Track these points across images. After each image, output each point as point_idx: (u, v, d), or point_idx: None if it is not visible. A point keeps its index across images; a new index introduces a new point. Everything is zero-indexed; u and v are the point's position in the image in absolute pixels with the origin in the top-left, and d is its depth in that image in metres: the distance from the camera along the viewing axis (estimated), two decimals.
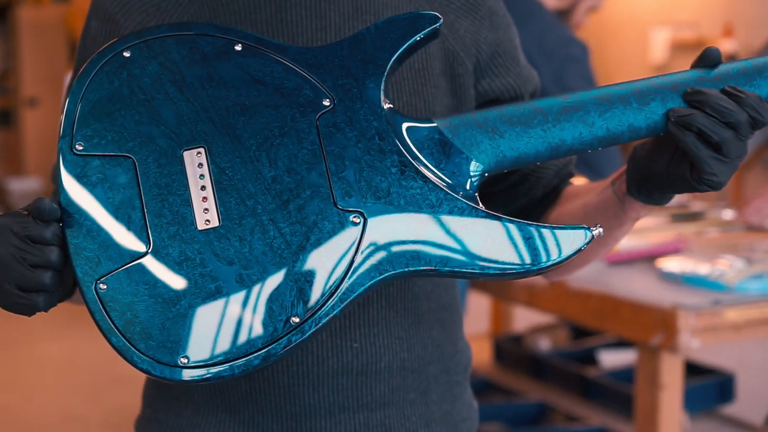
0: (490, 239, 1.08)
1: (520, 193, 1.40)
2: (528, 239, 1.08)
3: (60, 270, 1.07)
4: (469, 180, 1.13)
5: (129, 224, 1.07)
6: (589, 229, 1.08)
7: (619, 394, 3.83)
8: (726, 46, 8.03)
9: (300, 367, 1.25)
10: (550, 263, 1.08)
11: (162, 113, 1.10)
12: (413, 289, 1.31)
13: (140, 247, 1.06)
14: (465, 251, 1.08)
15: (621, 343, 4.31)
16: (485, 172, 1.14)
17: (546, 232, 1.08)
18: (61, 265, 1.07)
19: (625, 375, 4.03)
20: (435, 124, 1.14)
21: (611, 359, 4.22)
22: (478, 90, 1.36)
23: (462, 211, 1.09)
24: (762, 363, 4.89)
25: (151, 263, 1.06)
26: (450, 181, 1.12)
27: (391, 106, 1.14)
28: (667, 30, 8.31)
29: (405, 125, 1.13)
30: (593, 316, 2.74)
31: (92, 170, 1.08)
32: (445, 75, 1.32)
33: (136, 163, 1.08)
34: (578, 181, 1.44)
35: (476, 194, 1.13)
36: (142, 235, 1.06)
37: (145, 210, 1.07)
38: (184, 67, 1.12)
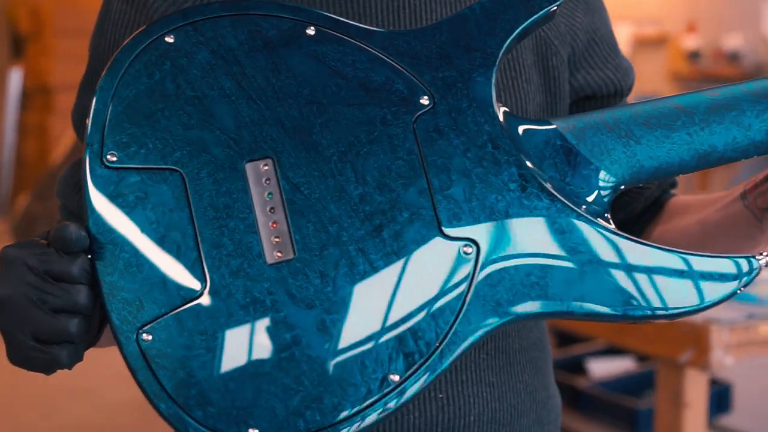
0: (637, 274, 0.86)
1: (617, 207, 1.18)
2: (684, 273, 0.86)
3: (89, 315, 0.83)
4: (600, 196, 0.90)
5: (178, 256, 0.83)
6: (753, 258, 0.86)
7: (615, 406, 3.63)
8: (689, 43, 7.91)
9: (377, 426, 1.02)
10: (710, 302, 0.86)
11: (217, 114, 0.86)
12: None
13: (194, 285, 0.83)
14: (602, 286, 0.86)
15: (610, 351, 4.12)
16: (618, 187, 0.91)
17: (703, 262, 0.86)
18: (91, 309, 0.83)
19: (618, 385, 3.84)
20: (554, 126, 0.91)
21: (601, 368, 4.03)
22: (572, 85, 1.13)
23: (596, 237, 0.86)
24: (758, 373, 4.75)
25: (208, 306, 0.82)
26: (579, 199, 0.89)
27: (505, 108, 0.91)
28: (629, 26, 8.17)
29: (521, 128, 0.90)
30: (610, 330, 2.55)
31: (129, 187, 0.84)
32: (538, 67, 1.10)
33: (186, 179, 0.85)
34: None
35: (608, 214, 0.91)
36: (195, 270, 0.83)
37: (199, 238, 0.83)
38: (243, 55, 0.88)
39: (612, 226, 0.88)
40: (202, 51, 0.88)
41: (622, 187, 0.91)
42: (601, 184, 0.90)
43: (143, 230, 0.83)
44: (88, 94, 1.10)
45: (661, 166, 0.91)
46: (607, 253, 0.86)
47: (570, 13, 1.13)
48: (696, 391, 2.43)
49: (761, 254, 0.87)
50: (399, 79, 0.88)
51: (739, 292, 0.87)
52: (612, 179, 0.90)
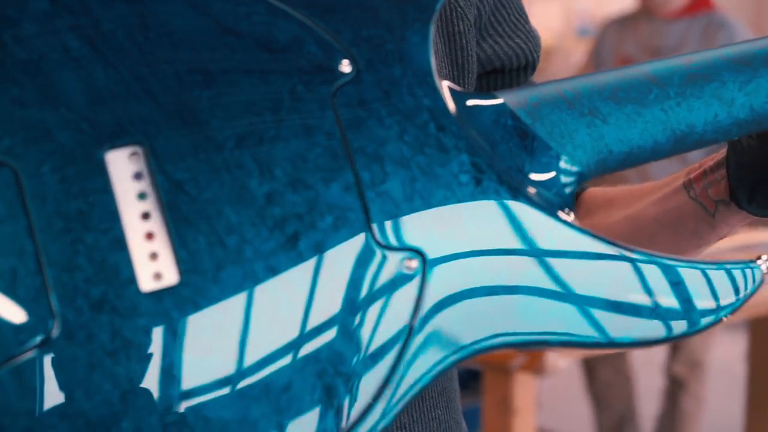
0: (620, 288, 0.67)
1: None
2: (676, 285, 0.67)
3: None
4: (561, 190, 0.71)
5: (14, 285, 0.58)
6: (753, 264, 0.69)
7: None
8: None
9: None
10: (705, 324, 0.68)
11: (61, 85, 0.62)
12: None
13: (38, 325, 0.58)
14: (583, 310, 0.66)
15: None
16: (583, 178, 0.72)
17: (696, 273, 0.68)
18: None
19: None
20: (501, 101, 0.71)
21: None
22: (478, 55, 0.94)
23: (569, 241, 0.67)
24: None
25: (60, 355, 0.58)
26: (541, 193, 0.69)
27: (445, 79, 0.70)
28: None
29: (468, 103, 0.70)
30: None
31: None
32: (441, 33, 0.90)
33: (20, 176, 0.60)
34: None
35: (569, 208, 0.71)
36: (39, 303, 0.58)
37: (43, 259, 0.59)
38: (97, 5, 0.64)
39: (589, 231, 0.68)
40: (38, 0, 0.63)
41: (586, 178, 0.72)
42: (562, 176, 0.70)
43: None
44: None
45: (632, 151, 0.72)
46: (582, 264, 0.66)
47: None
48: (526, 396, 2.31)
49: (759, 258, 0.69)
50: (310, 38, 0.66)
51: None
52: (575, 168, 0.71)
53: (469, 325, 0.64)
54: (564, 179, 0.70)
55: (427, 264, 0.64)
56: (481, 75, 0.95)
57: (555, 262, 0.66)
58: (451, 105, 0.67)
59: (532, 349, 0.66)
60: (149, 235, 0.61)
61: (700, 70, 0.74)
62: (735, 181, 0.83)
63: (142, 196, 0.61)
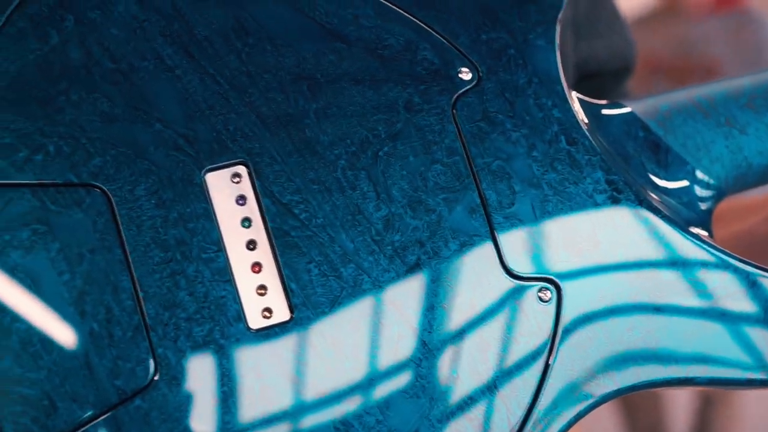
0: None
1: None
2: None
3: None
4: (698, 208, 0.64)
5: (109, 326, 0.52)
6: None
7: None
8: None
9: None
10: None
11: (155, 98, 0.55)
12: None
13: (138, 370, 0.52)
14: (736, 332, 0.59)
15: None
16: (721, 195, 0.65)
17: None
18: None
19: None
20: (630, 109, 0.64)
21: None
22: (575, 58, 0.87)
23: (717, 266, 0.60)
24: None
25: (162, 403, 0.52)
26: (678, 210, 0.62)
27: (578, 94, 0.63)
28: None
29: (599, 113, 0.63)
30: None
31: (21, 217, 0.53)
32: None
33: (113, 200, 0.53)
34: None
35: (706, 231, 0.64)
36: (137, 346, 0.52)
37: (141, 295, 0.52)
38: (189, 7, 0.57)
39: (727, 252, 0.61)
40: (124, 0, 0.57)
41: (724, 195, 0.65)
42: (699, 191, 0.64)
43: (48, 285, 0.52)
44: None
45: None
46: (736, 290, 0.59)
47: None
48: None
49: None
50: (425, 43, 0.59)
51: None
52: (713, 183, 0.64)
53: (608, 362, 0.57)
54: (701, 195, 0.63)
55: (562, 293, 0.57)
56: (576, 79, 0.88)
57: (700, 276, 0.59)
58: (582, 116, 0.60)
59: (677, 387, 0.59)
60: (256, 266, 0.54)
61: None
62: None
63: (246, 221, 0.54)
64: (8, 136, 0.53)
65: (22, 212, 0.52)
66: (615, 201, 0.59)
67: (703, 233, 0.62)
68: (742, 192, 0.66)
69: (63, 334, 0.51)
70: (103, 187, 0.53)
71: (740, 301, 0.59)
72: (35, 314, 0.51)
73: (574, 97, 0.61)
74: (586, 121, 0.61)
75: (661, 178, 0.62)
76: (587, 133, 0.60)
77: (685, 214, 0.62)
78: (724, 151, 0.64)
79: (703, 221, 0.63)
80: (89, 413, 0.51)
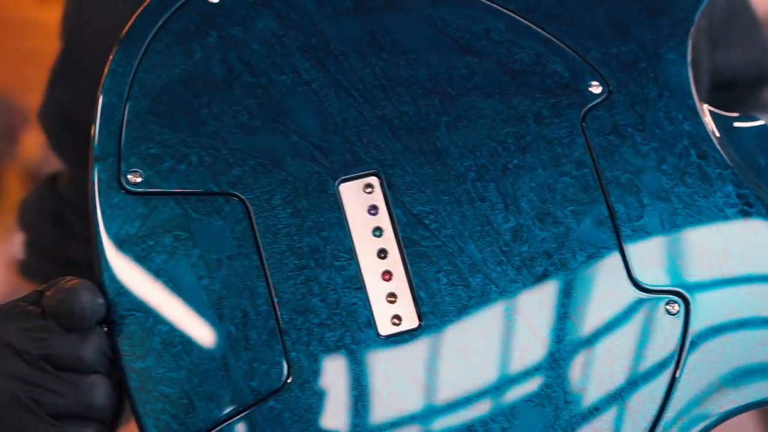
0: None
1: None
2: None
3: (108, 421, 0.54)
4: None
5: (245, 329, 0.54)
6: None
7: None
8: None
9: None
10: None
11: (292, 111, 0.58)
12: None
13: (272, 372, 0.54)
14: None
15: None
16: None
17: None
18: (112, 413, 0.54)
19: None
20: (762, 122, 0.64)
21: None
22: (709, 67, 0.86)
23: None
24: None
25: (295, 404, 0.54)
26: None
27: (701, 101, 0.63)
28: None
29: (731, 126, 0.63)
30: None
31: (164, 223, 0.55)
32: None
33: (251, 209, 0.56)
34: None
35: None
36: (272, 349, 0.54)
37: (276, 300, 0.55)
38: (326, 22, 0.59)
39: None
40: (264, 16, 0.59)
41: None
42: None
43: (189, 289, 0.54)
44: (65, 82, 0.80)
45: None
46: None
47: None
48: None
49: None
50: (555, 57, 0.60)
51: None
52: None
53: (735, 377, 0.57)
54: None
55: (690, 306, 0.57)
56: (713, 89, 0.88)
57: None
58: (713, 130, 0.60)
59: None
60: (386, 275, 0.56)
61: None
62: None
63: (377, 231, 0.56)
64: (154, 147, 0.56)
65: (166, 219, 0.55)
66: (746, 215, 0.59)
67: None
68: None
69: (202, 336, 0.54)
70: (242, 196, 0.55)
71: None
72: (176, 317, 0.54)
73: (706, 110, 0.61)
74: (718, 134, 0.61)
75: None
76: (718, 147, 0.60)
77: None
78: None
79: None
80: (226, 412, 0.53)
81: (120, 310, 0.54)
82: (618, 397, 0.55)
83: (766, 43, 0.90)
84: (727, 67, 0.87)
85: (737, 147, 0.62)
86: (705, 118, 0.60)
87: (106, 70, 0.57)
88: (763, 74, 0.89)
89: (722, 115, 0.63)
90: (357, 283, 0.55)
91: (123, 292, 0.54)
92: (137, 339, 0.53)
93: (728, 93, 0.88)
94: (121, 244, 0.54)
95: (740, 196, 0.59)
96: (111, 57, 0.57)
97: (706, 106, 0.62)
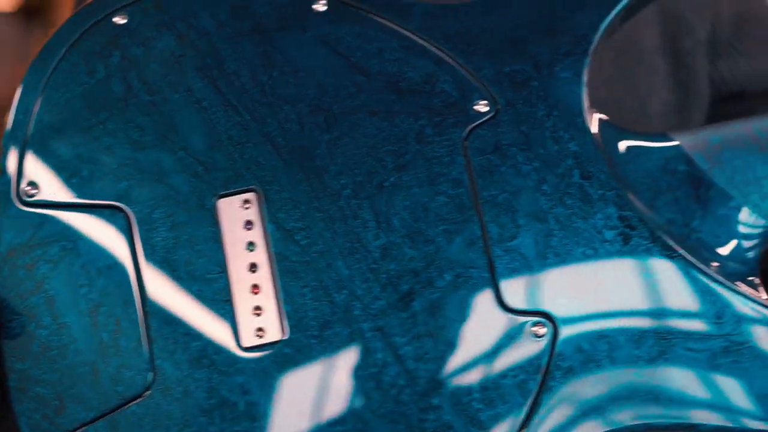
0: None
1: None
2: None
3: None
4: (741, 249, 0.61)
5: (117, 336, 0.57)
6: None
7: None
8: None
9: None
10: None
11: (182, 128, 0.60)
12: None
13: (137, 378, 0.57)
14: (751, 394, 0.56)
15: None
16: None
17: None
18: None
19: None
20: (677, 143, 0.62)
21: None
22: (713, 77, 0.83)
23: (745, 320, 0.57)
24: None
25: (156, 409, 0.56)
26: (710, 254, 0.60)
27: (602, 115, 0.62)
28: None
29: (625, 146, 0.61)
30: None
31: (53, 234, 0.59)
32: (665, 52, 0.80)
33: (133, 221, 0.59)
34: None
35: (755, 277, 0.61)
36: (139, 356, 0.57)
37: (147, 310, 0.57)
38: (223, 42, 0.62)
39: (764, 296, 0.58)
40: (165, 37, 0.62)
41: None
42: (744, 230, 0.60)
43: (69, 296, 0.58)
44: None
45: None
46: (755, 336, 0.57)
47: None
48: None
49: None
50: (446, 76, 0.60)
51: None
52: (762, 223, 0.61)
53: (602, 401, 0.56)
54: (745, 236, 0.60)
55: (558, 330, 0.56)
56: (718, 100, 0.85)
57: (711, 332, 0.56)
58: (602, 148, 0.59)
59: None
60: (255, 288, 0.58)
61: None
62: None
63: (251, 246, 0.58)
64: (52, 161, 0.60)
65: (55, 230, 0.59)
66: (626, 238, 0.58)
67: (744, 285, 0.59)
68: None
69: (77, 341, 0.57)
70: (126, 209, 0.59)
71: (755, 348, 0.56)
72: (55, 322, 0.57)
73: (597, 126, 0.60)
74: (609, 153, 0.60)
75: (697, 215, 0.60)
76: (606, 168, 0.59)
77: (720, 257, 0.59)
78: None
79: (748, 268, 0.60)
80: (92, 414, 0.56)
81: (5, 315, 0.58)
82: (475, 418, 0.56)
83: None
84: (733, 78, 0.84)
85: (639, 167, 0.61)
86: (596, 136, 0.59)
87: (19, 89, 0.61)
88: None
89: (624, 133, 0.61)
90: (225, 296, 0.57)
91: (10, 297, 0.58)
92: (19, 342, 0.57)
93: (735, 105, 0.84)
94: (12, 253, 0.58)
95: (622, 218, 0.58)
96: (24, 76, 0.61)
97: (599, 119, 0.60)
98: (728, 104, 0.84)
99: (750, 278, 0.60)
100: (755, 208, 0.61)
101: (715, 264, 0.59)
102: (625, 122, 0.75)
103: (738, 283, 0.58)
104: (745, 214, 0.60)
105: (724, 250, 0.60)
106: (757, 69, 0.84)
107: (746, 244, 0.60)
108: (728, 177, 0.61)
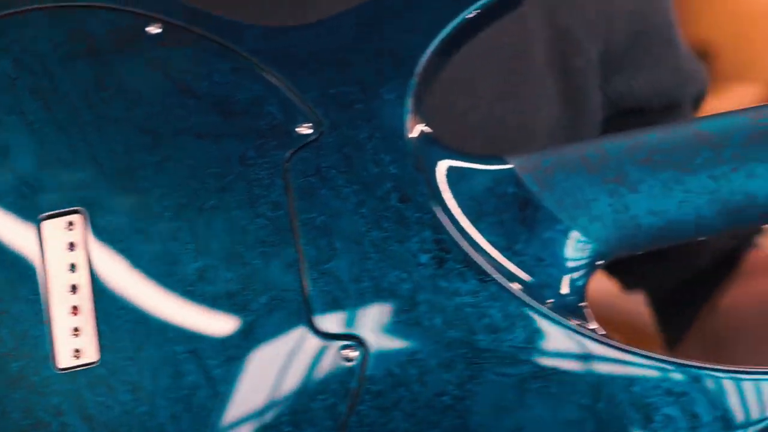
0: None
1: (670, 262, 0.86)
2: (683, 397, 0.55)
3: None
4: (569, 274, 0.60)
5: None
6: None
7: None
8: None
9: None
10: None
11: (12, 149, 0.61)
12: None
13: None
14: (556, 420, 0.56)
15: None
16: (601, 257, 0.61)
17: (720, 384, 0.55)
18: None
19: None
20: (509, 166, 0.62)
21: None
22: (607, 93, 0.83)
23: (556, 345, 0.57)
24: None
25: None
26: (533, 279, 0.60)
27: (428, 130, 0.62)
28: None
29: (447, 166, 0.61)
30: None
31: None
32: (554, 69, 0.80)
33: None
34: None
35: (584, 303, 0.61)
36: None
37: None
38: (58, 65, 0.62)
39: (586, 325, 0.58)
40: (2, 60, 0.62)
41: (603, 258, 0.61)
42: (573, 254, 0.60)
43: None
44: None
45: (669, 226, 0.60)
46: (565, 364, 0.56)
47: None
48: None
49: None
50: (273, 98, 0.60)
51: None
52: (590, 245, 0.60)
53: (410, 428, 0.56)
54: (572, 255, 0.60)
55: (369, 355, 0.56)
56: (615, 115, 0.84)
57: (520, 358, 0.56)
58: (423, 171, 0.59)
59: None
60: (75, 309, 0.58)
61: None
62: None
63: (72, 267, 0.59)
64: None
65: None
66: (440, 261, 0.57)
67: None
68: (631, 253, 0.62)
69: None
70: None
71: (563, 374, 0.56)
72: None
73: (419, 149, 0.60)
74: (430, 176, 0.59)
75: (521, 238, 0.60)
76: (426, 190, 0.58)
77: (541, 283, 0.59)
78: (606, 209, 0.60)
79: (576, 300, 0.60)
80: None
81: None
82: None
83: (681, 67, 0.85)
84: (630, 93, 0.83)
85: (467, 189, 0.60)
86: (416, 160, 0.59)
87: None
88: (673, 101, 0.84)
89: (453, 154, 0.61)
90: (44, 317, 0.58)
91: None
92: None
93: (638, 119, 0.84)
94: None
95: (437, 241, 0.58)
96: None
97: (422, 131, 0.60)
98: (626, 119, 0.84)
99: (580, 305, 0.60)
100: (583, 231, 0.60)
101: (553, 299, 0.59)
102: (507, 141, 0.76)
103: (564, 310, 0.58)
104: (573, 238, 0.60)
105: (553, 279, 0.60)
106: (655, 83, 0.84)
107: (572, 266, 0.60)
108: (557, 200, 0.60)
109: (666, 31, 0.85)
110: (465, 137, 0.76)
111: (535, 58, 0.80)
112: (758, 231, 0.88)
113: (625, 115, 0.84)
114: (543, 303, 0.58)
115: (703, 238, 0.79)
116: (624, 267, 0.88)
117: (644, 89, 0.83)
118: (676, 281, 0.87)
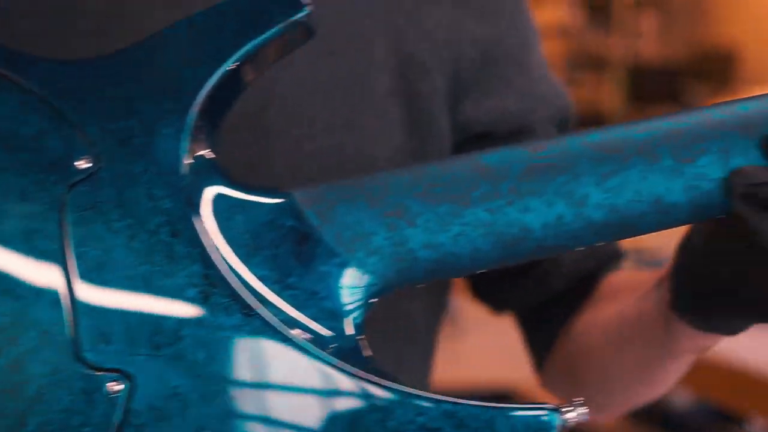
0: None
1: (527, 284, 0.86)
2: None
3: None
4: (345, 309, 0.61)
5: None
6: (557, 412, 0.55)
7: None
8: None
9: None
10: None
11: None
12: None
13: None
14: None
15: None
16: (379, 291, 0.61)
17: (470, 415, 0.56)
18: None
19: None
20: (285, 199, 0.62)
21: None
22: (456, 120, 0.83)
23: (327, 380, 0.57)
24: None
25: None
26: (305, 314, 0.60)
27: (210, 156, 0.62)
28: None
29: (217, 197, 0.62)
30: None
31: None
32: (398, 96, 0.80)
33: None
34: None
35: (360, 338, 0.61)
36: None
37: None
38: None
39: (368, 351, 0.58)
40: None
41: (385, 291, 0.61)
42: (348, 289, 0.60)
43: None
44: None
45: (445, 259, 0.61)
46: (319, 401, 0.57)
47: (453, 20, 0.83)
48: None
49: (571, 405, 0.55)
50: (55, 132, 0.61)
51: None
52: (366, 278, 0.61)
53: None
54: (347, 293, 0.60)
55: (135, 386, 0.57)
56: (465, 141, 0.84)
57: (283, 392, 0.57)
58: (194, 206, 0.60)
59: None
60: None
61: (549, 160, 0.61)
62: (676, 287, 0.67)
63: None
64: None
65: None
66: (206, 296, 0.58)
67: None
68: (410, 285, 0.62)
69: None
70: None
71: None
72: None
73: (194, 182, 0.60)
74: (207, 209, 0.60)
75: (295, 272, 0.60)
76: (196, 226, 0.59)
77: (315, 317, 0.60)
78: (384, 243, 0.61)
79: (354, 335, 0.60)
80: None
81: None
82: None
83: (535, 88, 0.85)
84: (477, 119, 0.83)
85: (245, 221, 0.61)
86: (189, 195, 0.60)
87: None
88: (525, 125, 0.84)
89: (236, 185, 0.62)
90: None
91: None
92: None
93: (483, 145, 0.84)
94: None
95: (205, 276, 0.58)
96: None
97: (201, 156, 0.61)
98: (477, 144, 0.84)
99: (358, 338, 0.60)
100: (360, 265, 0.60)
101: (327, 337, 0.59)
102: (345, 170, 0.76)
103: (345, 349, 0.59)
104: (349, 272, 0.60)
105: (329, 315, 0.60)
106: (501, 108, 0.84)
107: (347, 300, 0.60)
108: (336, 233, 0.61)
109: (518, 54, 0.85)
110: (300, 166, 0.76)
111: (377, 86, 0.80)
112: (617, 254, 0.88)
113: (476, 141, 0.84)
114: (321, 342, 0.58)
115: (552, 260, 0.80)
116: (488, 290, 0.88)
117: (491, 114, 0.83)
118: (535, 303, 0.87)
